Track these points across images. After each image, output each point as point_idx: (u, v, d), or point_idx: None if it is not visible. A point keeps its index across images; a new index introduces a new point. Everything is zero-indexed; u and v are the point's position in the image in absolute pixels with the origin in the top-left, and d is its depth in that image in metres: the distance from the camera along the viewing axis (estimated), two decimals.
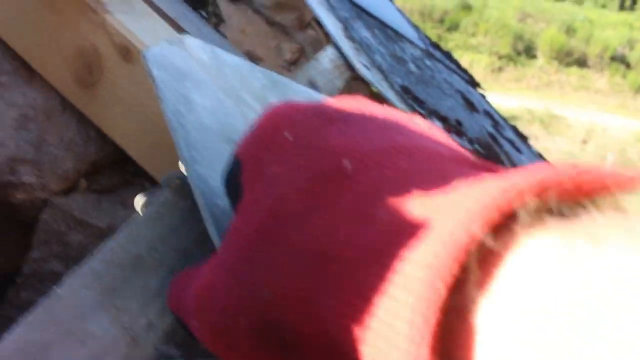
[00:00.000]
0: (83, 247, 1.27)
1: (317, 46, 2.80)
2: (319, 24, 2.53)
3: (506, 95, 23.13)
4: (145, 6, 1.23)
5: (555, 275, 0.20)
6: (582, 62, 26.94)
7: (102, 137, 1.27)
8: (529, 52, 26.97)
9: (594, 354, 0.17)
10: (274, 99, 1.01)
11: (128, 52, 1.12)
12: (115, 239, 0.65)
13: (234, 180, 0.44)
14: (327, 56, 1.57)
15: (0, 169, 1.18)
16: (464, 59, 25.84)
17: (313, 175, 0.32)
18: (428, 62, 2.77)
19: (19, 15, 1.15)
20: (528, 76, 25.83)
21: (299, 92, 1.12)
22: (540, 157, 3.90)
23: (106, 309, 0.56)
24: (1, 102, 1.23)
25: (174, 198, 0.77)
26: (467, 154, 0.34)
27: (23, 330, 0.50)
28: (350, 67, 1.62)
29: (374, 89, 1.61)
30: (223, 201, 0.65)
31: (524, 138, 3.72)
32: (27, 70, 1.24)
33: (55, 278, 1.33)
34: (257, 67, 1.07)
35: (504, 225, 0.21)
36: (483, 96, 3.66)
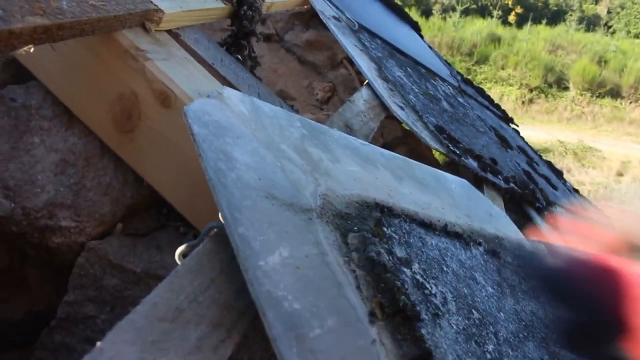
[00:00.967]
0: (118, 292, 1.27)
1: (349, 84, 2.81)
2: (350, 62, 2.55)
3: (538, 128, 22.91)
4: (184, 53, 1.25)
5: None
6: (615, 93, 26.58)
7: (139, 181, 1.28)
8: (560, 83, 26.72)
9: None
10: (313, 149, 1.01)
11: (166, 98, 1.13)
12: (156, 291, 0.65)
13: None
14: (361, 97, 1.57)
15: (40, 214, 1.20)
16: (494, 92, 25.76)
17: None
18: (460, 99, 2.75)
19: (63, 63, 1.18)
20: (560, 108, 25.53)
21: (337, 140, 1.11)
22: (575, 192, 3.83)
23: None
24: (42, 147, 1.25)
25: (214, 248, 0.77)
26: None
27: None
28: (384, 107, 1.61)
29: (408, 129, 1.60)
30: (264, 262, 0.65)
31: (559, 173, 3.67)
32: (67, 116, 1.26)
33: (90, 322, 1.32)
34: (296, 116, 1.07)
35: None
36: (517, 132, 3.63)
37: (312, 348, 0.57)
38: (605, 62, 27.74)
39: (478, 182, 1.83)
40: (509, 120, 3.77)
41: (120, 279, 1.25)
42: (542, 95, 26.09)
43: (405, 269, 0.91)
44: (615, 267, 0.73)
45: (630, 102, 26.22)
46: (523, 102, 25.36)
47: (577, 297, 0.76)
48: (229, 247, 0.68)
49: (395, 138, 2.12)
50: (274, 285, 0.61)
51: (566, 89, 26.63)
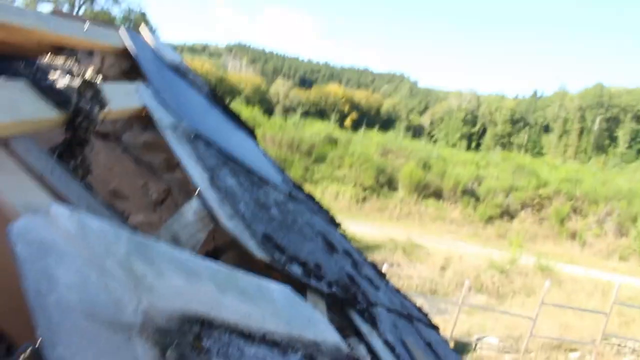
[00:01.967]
0: None
1: (185, 187, 2.88)
2: None
3: (371, 225, 24.25)
4: (13, 163, 1.25)
5: None
6: (438, 195, 29.16)
7: None
8: (391, 184, 28.85)
9: None
10: (139, 265, 1.06)
11: None
12: None
13: None
14: (191, 209, 1.65)
15: None
16: (331, 190, 27.12)
17: None
18: (291, 206, 2.92)
19: None
20: (390, 207, 27.40)
21: (163, 254, 1.18)
22: (397, 291, 4.12)
23: None
24: None
25: None
26: None
27: None
28: (214, 218, 1.70)
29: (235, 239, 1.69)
30: None
31: (382, 275, 3.94)
32: None
33: None
34: (123, 232, 1.12)
35: None
36: (344, 235, 3.88)
37: None
38: (429, 167, 30.57)
39: (302, 288, 1.95)
40: (337, 224, 4.02)
41: None
42: (375, 195, 27.90)
43: None
44: None
45: (451, 204, 28.89)
46: (357, 200, 26.90)
47: None
48: None
49: (226, 242, 2.20)
50: None
51: (396, 189, 28.76)
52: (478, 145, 73.93)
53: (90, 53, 2.82)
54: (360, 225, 23.38)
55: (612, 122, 73.19)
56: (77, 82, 1.59)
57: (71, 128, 1.58)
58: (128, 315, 0.89)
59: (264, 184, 2.81)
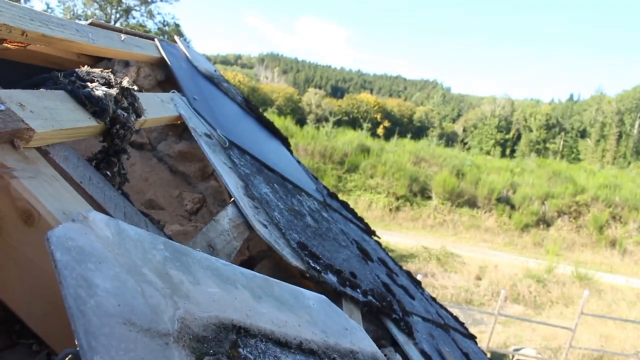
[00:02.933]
0: None
1: (219, 196, 2.89)
2: None
3: (404, 234, 24.10)
4: (52, 170, 1.27)
5: None
6: (472, 203, 28.80)
7: None
8: (424, 193, 28.61)
9: None
10: (175, 272, 1.06)
11: (30, 217, 1.14)
12: None
13: None
14: (227, 216, 1.65)
15: None
16: (364, 199, 27.02)
17: None
18: (325, 214, 2.91)
19: None
20: (424, 216, 27.17)
21: (199, 261, 1.17)
22: (433, 300, 4.07)
23: None
24: None
25: None
26: None
27: None
28: (249, 225, 1.70)
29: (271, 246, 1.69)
30: None
31: (417, 283, 3.90)
32: None
33: None
34: (160, 238, 1.12)
35: None
36: (379, 244, 3.85)
37: None
38: (463, 174, 30.22)
39: (337, 296, 1.93)
40: (371, 232, 3.99)
41: None
42: (408, 204, 27.71)
43: None
44: None
45: (485, 212, 28.48)
46: (390, 210, 26.76)
47: None
48: None
49: (260, 251, 2.20)
50: None
51: (429, 198, 28.51)
52: (513, 152, 72.90)
53: (126, 63, 2.86)
54: (394, 234, 23.24)
55: None
56: (114, 92, 1.60)
57: (108, 137, 1.60)
58: (165, 322, 0.89)
59: (298, 192, 2.81)
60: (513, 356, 14.19)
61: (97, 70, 1.68)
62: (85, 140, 2.46)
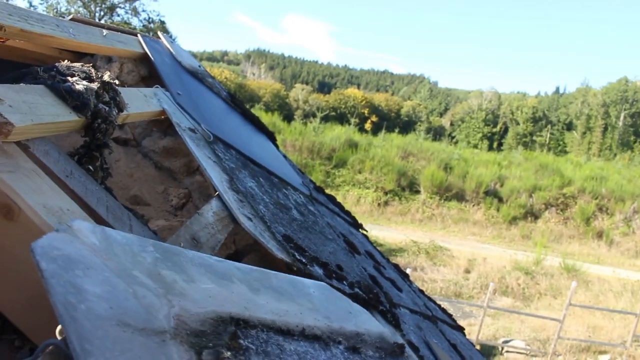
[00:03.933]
0: None
1: (204, 191, 2.88)
2: None
3: (393, 229, 24.16)
4: (32, 165, 1.26)
5: None
6: (460, 197, 28.91)
7: None
8: (412, 187, 28.68)
9: None
10: (167, 272, 1.06)
11: (10, 211, 1.13)
12: None
13: None
14: (211, 209, 1.64)
15: None
16: (352, 194, 27.05)
17: None
18: (311, 207, 2.91)
19: None
20: (412, 210, 27.24)
21: (192, 259, 1.17)
22: (421, 292, 4.08)
23: None
24: None
25: None
26: None
27: None
28: (233, 219, 1.69)
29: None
30: None
31: (405, 275, 3.91)
32: None
33: None
34: (149, 240, 1.12)
35: None
36: (366, 237, 3.85)
37: None
38: (451, 168, 30.31)
39: None
40: (358, 226, 3.99)
41: None
42: (396, 198, 27.76)
43: None
44: None
45: (473, 205, 28.60)
46: (379, 204, 26.79)
47: None
48: None
49: (247, 245, 2.20)
50: None
51: (417, 192, 28.57)
52: (500, 145, 73.25)
53: (109, 59, 2.84)
54: (383, 229, 23.29)
55: (638, 117, 72.00)
56: (95, 86, 1.59)
57: (90, 131, 1.59)
58: (160, 320, 0.89)
59: (284, 185, 2.81)
60: (502, 348, 14.29)
61: (77, 65, 1.66)
62: (70, 136, 2.44)
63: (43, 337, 1.13)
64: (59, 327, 0.92)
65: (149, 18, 35.94)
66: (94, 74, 1.65)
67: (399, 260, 18.93)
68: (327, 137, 30.23)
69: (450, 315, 4.13)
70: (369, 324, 1.57)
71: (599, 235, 27.58)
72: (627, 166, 45.13)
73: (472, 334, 13.75)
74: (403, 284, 3.49)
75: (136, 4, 35.46)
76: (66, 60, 1.68)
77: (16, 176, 1.18)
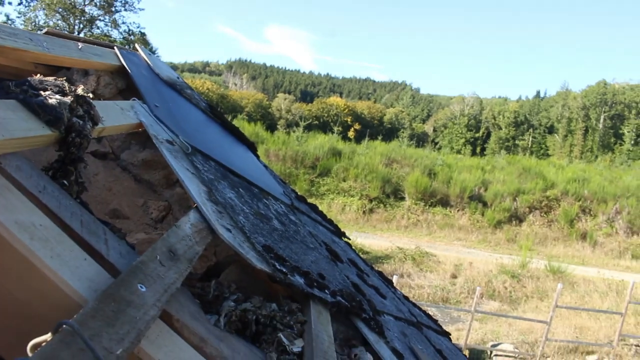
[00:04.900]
0: None
1: (185, 203, 2.87)
2: None
3: (379, 236, 24.17)
4: (3, 181, 1.24)
5: None
6: (445, 202, 29.03)
7: None
8: (397, 194, 28.74)
9: None
10: None
11: None
12: None
13: None
14: (189, 221, 1.63)
15: None
16: (337, 203, 27.03)
17: None
18: (293, 217, 2.90)
19: None
20: (397, 217, 27.29)
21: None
22: (406, 299, 4.08)
23: None
24: None
25: None
26: None
27: None
28: (212, 230, 1.68)
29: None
30: None
31: (389, 282, 3.91)
32: None
33: None
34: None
35: None
36: (349, 245, 3.85)
37: None
38: (435, 174, 30.43)
39: (305, 297, 1.92)
40: (341, 234, 3.99)
41: None
42: (381, 205, 27.78)
43: None
44: None
45: (458, 210, 28.72)
46: (364, 212, 26.80)
47: None
48: None
49: (227, 256, 2.18)
50: None
51: (402, 199, 28.63)
52: (483, 150, 73.78)
53: (86, 72, 2.82)
54: (369, 236, 23.30)
55: (617, 119, 72.93)
56: (68, 100, 1.58)
57: (64, 145, 1.57)
58: None
59: (264, 196, 2.79)
60: (491, 352, 14.31)
61: (50, 79, 1.65)
62: (46, 151, 2.42)
63: (15, 355, 1.11)
64: (31, 343, 0.91)
65: (129, 30, 35.74)
66: (67, 88, 1.63)
67: (385, 267, 18.94)
68: (311, 146, 30.22)
69: (435, 321, 4.13)
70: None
71: (583, 236, 27.81)
72: (609, 167, 45.68)
73: (460, 338, 13.76)
74: (387, 291, 3.48)
75: (116, 16, 35.26)
76: (39, 75, 1.66)
77: None
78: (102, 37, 30.94)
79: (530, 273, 20.70)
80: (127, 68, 2.81)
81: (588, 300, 18.36)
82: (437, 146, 70.44)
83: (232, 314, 1.56)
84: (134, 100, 2.42)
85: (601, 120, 72.64)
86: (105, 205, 2.60)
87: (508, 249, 25.39)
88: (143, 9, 41.89)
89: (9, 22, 29.57)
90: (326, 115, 73.72)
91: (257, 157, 3.90)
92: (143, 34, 36.81)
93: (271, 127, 40.96)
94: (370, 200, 27.54)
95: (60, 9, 32.48)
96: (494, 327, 16.06)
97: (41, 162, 2.13)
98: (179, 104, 3.08)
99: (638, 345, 15.18)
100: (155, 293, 1.16)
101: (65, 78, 1.76)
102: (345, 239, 3.98)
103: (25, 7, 31.81)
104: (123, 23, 35.98)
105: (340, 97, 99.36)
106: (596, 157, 66.32)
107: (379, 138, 40.15)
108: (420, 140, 70.64)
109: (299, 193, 4.09)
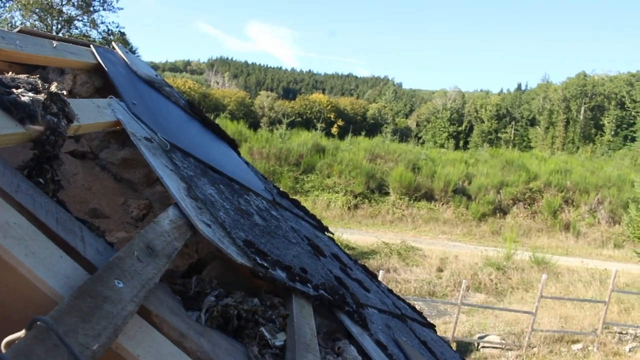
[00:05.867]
0: None
1: (166, 201, 2.84)
2: None
3: (364, 232, 24.22)
4: None
5: None
6: (429, 196, 29.16)
7: None
8: (381, 189, 28.81)
9: None
10: None
11: None
12: None
13: None
14: (167, 217, 1.62)
15: None
16: (322, 199, 27.02)
17: None
18: (274, 212, 2.89)
19: None
20: (383, 212, 27.36)
21: None
22: (390, 292, 4.10)
23: None
24: None
25: None
26: None
27: None
28: (191, 226, 1.67)
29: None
30: None
31: (373, 276, 3.92)
32: None
33: None
34: None
35: None
36: (332, 239, 3.85)
37: None
38: (418, 169, 30.54)
39: (287, 291, 1.92)
40: (324, 229, 3.99)
41: None
42: (366, 201, 27.83)
43: None
44: None
45: (442, 204, 28.87)
46: (349, 208, 26.83)
47: None
48: None
49: (209, 253, 2.18)
50: None
51: (387, 194, 28.71)
52: (466, 144, 74.24)
53: (62, 71, 2.79)
54: (354, 232, 23.34)
55: (597, 111, 73.70)
56: (41, 97, 1.56)
57: (38, 143, 1.55)
58: None
59: (245, 192, 2.79)
60: (478, 344, 14.42)
61: (23, 76, 1.63)
62: (23, 151, 2.39)
63: None
64: (5, 340, 0.89)
65: (109, 30, 35.46)
66: (40, 85, 1.61)
67: (372, 262, 18.99)
68: (294, 143, 30.19)
69: (420, 314, 4.15)
70: None
71: (566, 227, 28.11)
72: (590, 158, 46.22)
73: (447, 331, 13.85)
74: (371, 284, 3.49)
75: (94, 16, 34.96)
76: (11, 73, 1.64)
77: None
78: (81, 37, 30.64)
79: (515, 265, 20.88)
80: (104, 66, 2.78)
81: (572, 289, 18.56)
82: (421, 141, 70.71)
83: (214, 309, 1.55)
84: (111, 98, 2.40)
85: (582, 112, 73.37)
86: (85, 205, 2.58)
87: (493, 242, 25.58)
88: (122, 8, 41.62)
89: None
90: (309, 112, 73.70)
91: (238, 153, 3.89)
92: (123, 34, 36.56)
93: (254, 125, 40.84)
94: (355, 196, 27.58)
95: (37, 10, 32.11)
96: (480, 319, 16.18)
97: (17, 163, 2.11)
98: (158, 101, 3.06)
99: (621, 333, 15.38)
100: (132, 289, 1.15)
101: (38, 76, 1.74)
102: (329, 234, 3.98)
103: (1, 7, 31.45)
104: (102, 23, 35.69)
105: (323, 93, 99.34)
106: (577, 148, 67.02)
107: (363, 134, 40.21)
108: (403, 135, 70.85)
109: (281, 188, 4.08)
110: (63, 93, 1.67)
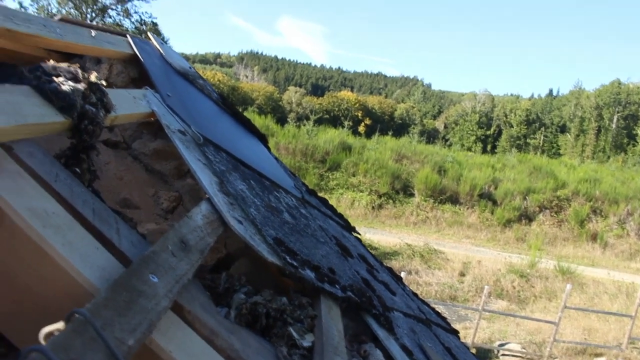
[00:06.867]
0: None
1: (195, 194, 2.85)
2: None
3: (387, 232, 24.13)
4: (16, 167, 1.22)
5: None
6: (454, 200, 28.93)
7: None
8: (406, 190, 28.66)
9: None
10: None
11: None
12: None
13: None
14: (200, 212, 1.61)
15: None
16: (346, 197, 26.99)
17: None
18: (303, 210, 2.88)
19: None
20: (407, 213, 27.22)
21: None
22: (415, 296, 4.06)
23: None
24: None
25: None
26: None
27: None
28: (223, 222, 1.66)
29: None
30: None
31: (398, 279, 3.88)
32: None
33: None
34: None
35: None
36: (359, 240, 3.82)
37: None
38: (445, 171, 30.32)
39: (316, 292, 1.91)
40: (351, 229, 3.97)
41: None
42: (390, 201, 27.73)
43: None
44: None
45: (467, 208, 28.61)
46: (373, 207, 26.76)
47: None
48: None
49: (238, 249, 2.17)
50: None
51: (411, 195, 28.56)
52: (494, 148, 73.43)
53: (98, 60, 2.81)
54: (377, 232, 23.26)
55: (631, 120, 72.29)
56: (81, 87, 1.56)
57: (77, 133, 1.56)
58: None
59: (275, 188, 2.78)
60: (498, 351, 14.27)
61: (64, 65, 1.63)
62: (60, 139, 2.41)
63: (28, 343, 1.10)
64: (43, 331, 0.89)
65: (141, 20, 35.84)
66: (80, 75, 1.62)
67: (394, 263, 18.91)
68: (321, 140, 30.17)
69: (444, 319, 4.11)
70: None
71: (593, 237, 27.63)
72: (621, 168, 45.31)
73: (467, 337, 13.74)
74: (397, 287, 3.46)
75: (128, 5, 35.37)
76: (51, 61, 1.65)
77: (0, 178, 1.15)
78: (114, 26, 31.03)
79: (539, 273, 20.60)
80: (140, 57, 2.80)
81: (597, 301, 18.26)
82: (448, 143, 70.17)
83: (243, 306, 1.54)
84: (146, 89, 2.41)
85: (614, 121, 72.07)
86: (116, 195, 2.59)
87: (517, 248, 25.27)
88: None
89: (22, 9, 29.70)
90: (337, 109, 73.65)
91: (268, 149, 3.89)
92: (155, 24, 36.91)
93: (281, 120, 40.96)
94: (380, 196, 27.48)
95: None
96: (501, 326, 16.01)
97: (53, 151, 2.13)
98: (191, 94, 3.06)
99: None
100: (167, 284, 1.15)
101: (78, 65, 1.74)
102: (355, 234, 3.96)
103: None
104: (135, 12, 36.10)
105: (352, 91, 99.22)
106: (608, 157, 65.78)
107: (390, 133, 40.04)
108: (430, 136, 70.43)
109: (308, 185, 4.07)
110: (102, 83, 1.67)
